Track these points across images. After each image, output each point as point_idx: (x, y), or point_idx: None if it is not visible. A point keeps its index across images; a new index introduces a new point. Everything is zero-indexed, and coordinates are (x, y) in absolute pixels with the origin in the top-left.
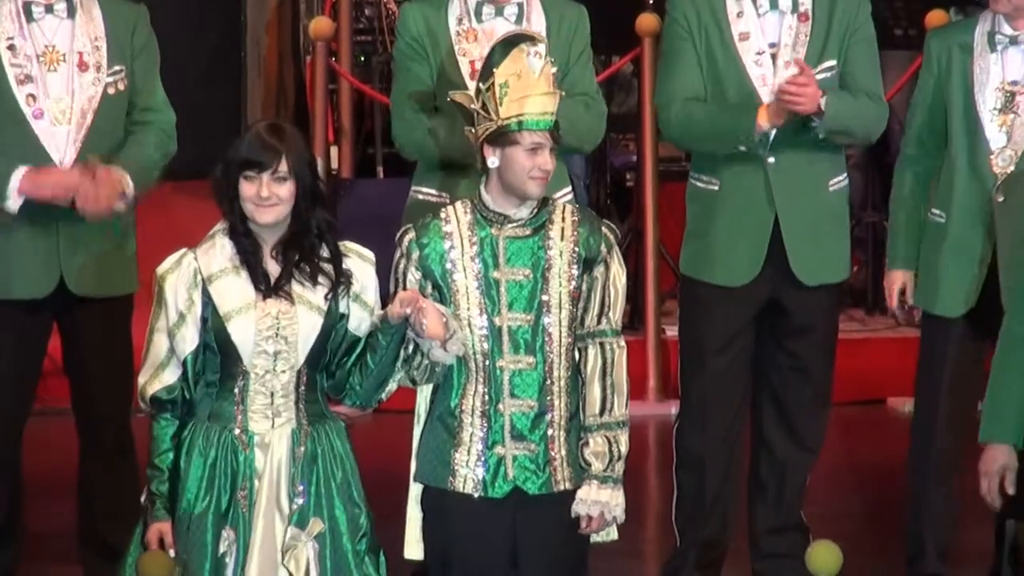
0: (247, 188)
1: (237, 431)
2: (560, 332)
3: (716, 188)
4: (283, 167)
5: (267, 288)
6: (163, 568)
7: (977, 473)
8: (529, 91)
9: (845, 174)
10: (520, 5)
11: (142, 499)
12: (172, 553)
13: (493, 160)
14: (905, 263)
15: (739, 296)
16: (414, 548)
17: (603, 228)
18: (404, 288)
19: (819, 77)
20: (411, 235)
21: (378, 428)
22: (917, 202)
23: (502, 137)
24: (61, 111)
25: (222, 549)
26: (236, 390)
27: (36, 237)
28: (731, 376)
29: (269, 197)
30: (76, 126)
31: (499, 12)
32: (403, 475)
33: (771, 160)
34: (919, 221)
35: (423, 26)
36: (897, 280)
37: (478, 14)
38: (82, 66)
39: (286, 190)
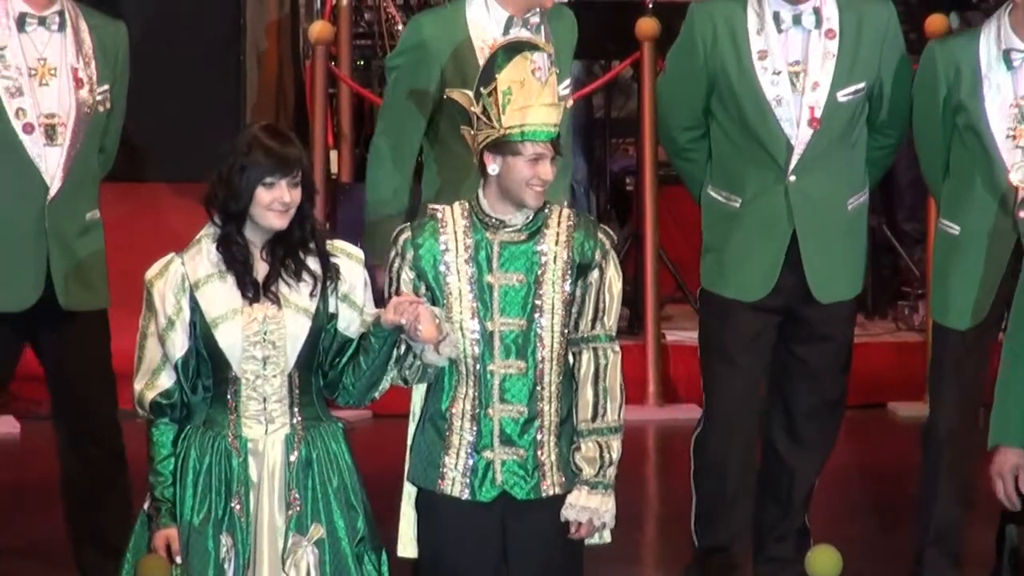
0: (266, 196)
1: (230, 437)
2: (552, 337)
3: (737, 205)
4: (299, 172)
5: (255, 293)
6: (162, 572)
7: (985, 477)
8: (532, 101)
9: (866, 190)
10: (540, 14)
11: (145, 505)
12: (179, 560)
13: (493, 168)
14: None
15: (761, 306)
16: (408, 546)
17: (599, 233)
18: (397, 287)
19: (843, 100)
20: (406, 235)
21: (376, 430)
22: None
23: (504, 145)
24: (52, 127)
25: (221, 555)
26: (229, 396)
27: (24, 249)
28: (755, 384)
29: (290, 203)
30: (69, 144)
31: (524, 24)
32: (401, 476)
33: (792, 179)
34: None
35: (441, 32)
36: None
37: (507, 29)
38: (77, 82)
39: (299, 194)
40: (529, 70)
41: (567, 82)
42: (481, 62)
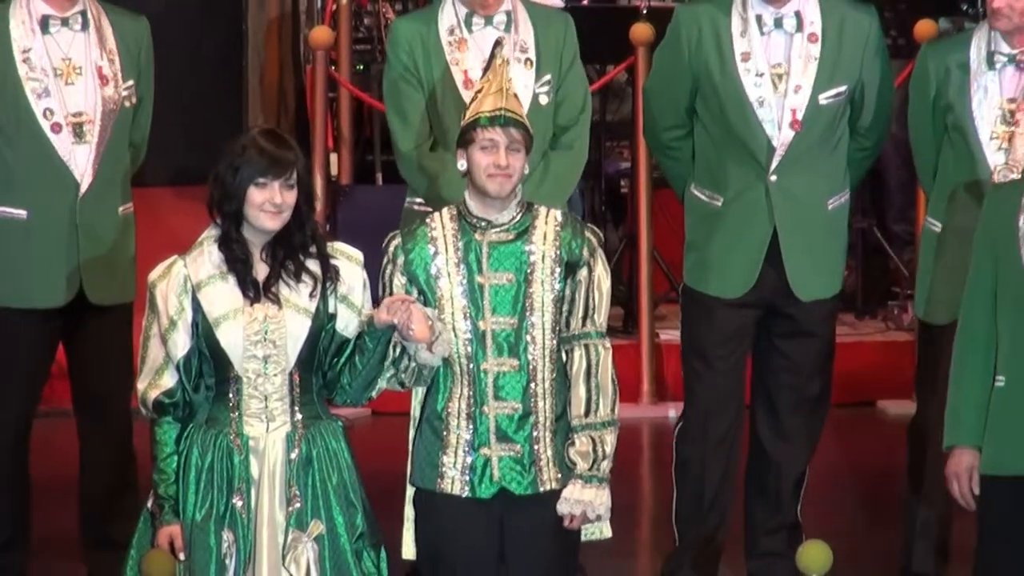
0: (258, 196)
1: (232, 435)
2: (544, 335)
3: (719, 204)
4: (294, 175)
5: (255, 293)
6: (167, 567)
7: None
8: (489, 90)
9: (846, 191)
10: (508, 14)
11: (148, 504)
12: (182, 556)
13: (462, 163)
14: None
15: (741, 303)
16: (411, 549)
17: (586, 232)
18: (390, 292)
19: (824, 103)
20: (397, 241)
21: (377, 429)
22: None
23: (463, 138)
24: (79, 124)
25: (223, 551)
26: (231, 394)
27: (56, 246)
28: (731, 380)
29: (282, 204)
30: (97, 141)
31: (488, 22)
32: (401, 475)
33: (773, 179)
34: None
35: (416, 40)
36: None
37: (468, 24)
38: (102, 79)
39: (293, 196)
40: (499, 68)
41: (547, 78)
42: (448, 56)
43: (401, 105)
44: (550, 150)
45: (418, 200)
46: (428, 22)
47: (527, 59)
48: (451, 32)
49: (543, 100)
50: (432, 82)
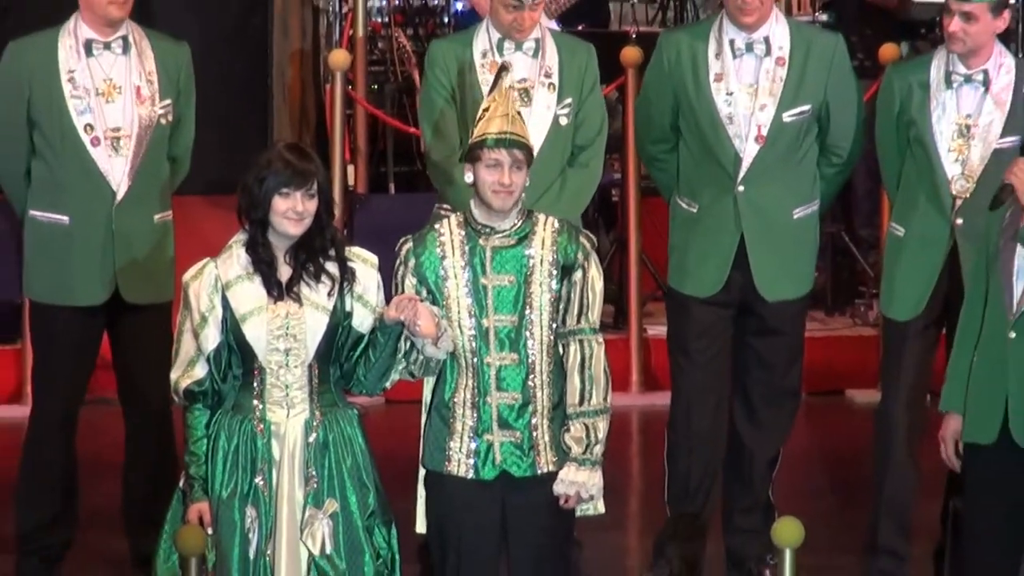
0: (281, 204)
1: (256, 420)
2: (541, 331)
3: (695, 211)
4: (314, 185)
5: (279, 292)
6: (199, 541)
7: (929, 456)
8: (495, 112)
9: (815, 202)
10: (537, 41)
11: (181, 483)
12: (211, 531)
13: (468, 176)
14: None
15: (714, 302)
16: (423, 524)
17: (581, 237)
18: (402, 292)
19: (788, 120)
20: (409, 245)
21: (390, 416)
22: None
23: (471, 154)
24: (117, 139)
25: (246, 526)
26: (255, 384)
27: (94, 249)
28: (713, 372)
29: (303, 212)
30: (133, 154)
31: (519, 47)
32: (412, 458)
33: (740, 189)
34: None
35: (452, 61)
36: None
37: (500, 48)
38: (139, 98)
39: (314, 205)
40: (505, 88)
41: (568, 101)
42: (480, 78)
43: (434, 118)
44: (568, 168)
45: (445, 206)
46: (464, 44)
47: (550, 83)
48: (484, 55)
49: (563, 121)
50: (464, 99)
